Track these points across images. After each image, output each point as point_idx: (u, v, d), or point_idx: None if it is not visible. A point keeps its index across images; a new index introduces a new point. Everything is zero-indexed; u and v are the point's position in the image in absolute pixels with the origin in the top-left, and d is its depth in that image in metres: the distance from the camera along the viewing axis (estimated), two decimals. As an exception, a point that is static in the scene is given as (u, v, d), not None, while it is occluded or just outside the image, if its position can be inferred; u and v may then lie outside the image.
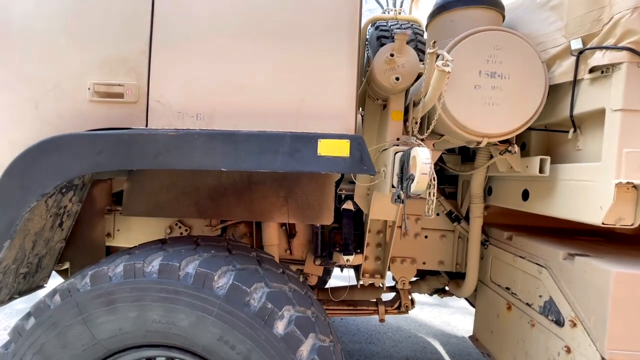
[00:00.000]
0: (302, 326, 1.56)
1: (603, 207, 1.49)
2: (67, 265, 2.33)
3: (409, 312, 2.74)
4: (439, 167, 2.65)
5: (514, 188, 2.15)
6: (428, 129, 1.78)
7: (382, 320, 2.68)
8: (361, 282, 2.57)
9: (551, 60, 1.78)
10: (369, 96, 2.14)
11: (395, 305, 2.69)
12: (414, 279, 2.89)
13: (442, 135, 1.96)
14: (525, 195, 2.04)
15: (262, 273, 1.69)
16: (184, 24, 1.61)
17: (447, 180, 2.71)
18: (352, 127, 1.64)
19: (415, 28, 2.81)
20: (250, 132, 1.54)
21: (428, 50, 1.64)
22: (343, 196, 2.42)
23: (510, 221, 2.55)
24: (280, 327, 1.53)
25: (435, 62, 1.55)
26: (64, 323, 1.53)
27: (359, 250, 2.41)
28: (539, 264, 1.93)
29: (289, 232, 2.61)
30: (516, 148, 1.85)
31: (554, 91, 1.85)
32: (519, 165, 1.92)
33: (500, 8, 1.98)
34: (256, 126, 1.60)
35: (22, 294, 1.92)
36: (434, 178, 1.61)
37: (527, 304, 2.01)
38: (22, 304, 3.99)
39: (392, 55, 1.70)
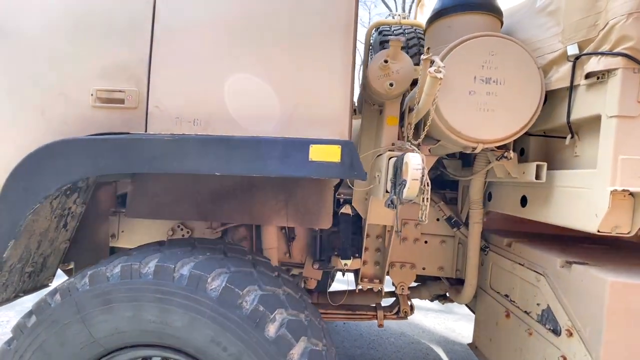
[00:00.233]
0: (293, 329, 1.58)
1: (598, 214, 1.47)
2: (72, 265, 2.40)
3: (409, 317, 2.72)
4: (440, 172, 2.64)
5: (512, 194, 2.13)
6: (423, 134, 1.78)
7: (380, 326, 2.67)
8: (360, 287, 2.57)
9: (548, 66, 1.76)
10: (366, 101, 2.16)
11: (394, 311, 2.67)
12: (414, 284, 2.88)
13: (439, 141, 1.95)
14: (524, 201, 2.02)
15: (256, 276, 1.71)
16: (182, 34, 1.67)
17: (448, 185, 2.69)
18: (346, 132, 1.65)
19: (419, 33, 2.82)
20: (243, 137, 1.57)
21: (422, 57, 1.65)
22: (342, 200, 2.43)
23: (513, 227, 2.52)
24: (271, 330, 1.54)
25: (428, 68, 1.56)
26: (63, 321, 1.58)
27: (357, 255, 2.41)
28: (537, 272, 1.90)
29: (289, 235, 2.62)
30: (512, 154, 1.84)
31: (552, 97, 1.83)
32: (515, 171, 1.90)
33: (498, 14, 1.97)
34: (251, 131, 1.63)
35: (27, 292, 1.99)
36: (427, 184, 1.61)
37: (525, 312, 1.98)
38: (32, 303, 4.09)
39: (386, 61, 1.71)
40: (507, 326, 2.13)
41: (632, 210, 1.46)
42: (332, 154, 1.50)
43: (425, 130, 1.69)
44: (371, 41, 2.98)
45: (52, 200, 1.75)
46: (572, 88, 1.64)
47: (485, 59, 1.70)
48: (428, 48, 1.62)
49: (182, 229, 2.57)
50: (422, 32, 2.77)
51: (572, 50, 1.61)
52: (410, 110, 1.88)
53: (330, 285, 3.96)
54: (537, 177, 1.77)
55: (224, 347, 1.52)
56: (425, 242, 2.60)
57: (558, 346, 1.70)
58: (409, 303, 2.71)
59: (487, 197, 2.43)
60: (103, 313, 1.56)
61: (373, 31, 3.16)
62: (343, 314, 2.73)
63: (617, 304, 1.44)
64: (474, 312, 2.74)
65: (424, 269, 2.61)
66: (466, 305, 2.78)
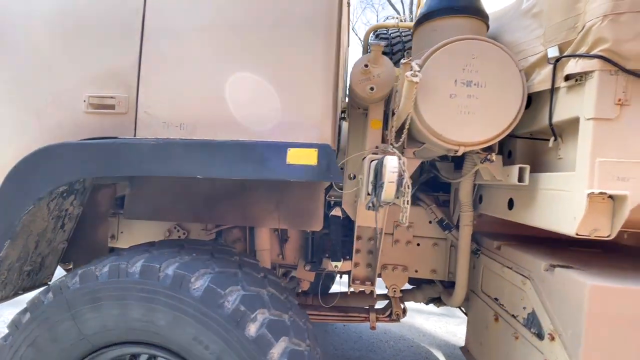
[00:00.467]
0: (274, 329, 1.61)
1: (577, 217, 1.46)
2: (72, 265, 2.49)
3: (409, 320, 2.73)
4: (433, 174, 2.64)
5: (500, 197, 2.12)
6: (407, 137, 1.79)
7: (373, 328, 2.67)
8: (351, 289, 2.58)
9: (531, 68, 1.76)
10: (352, 105, 2.18)
11: (387, 313, 2.67)
12: (409, 287, 2.87)
13: (423, 144, 1.96)
14: (511, 204, 2.01)
15: (240, 277, 1.75)
16: (169, 42, 1.73)
17: (441, 187, 2.69)
18: (329, 136, 1.68)
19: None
20: (225, 141, 1.62)
21: (402, 61, 1.67)
22: (332, 203, 2.45)
23: (505, 230, 2.49)
24: (252, 329, 1.58)
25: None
26: (55, 318, 1.65)
27: (347, 257, 2.43)
28: (523, 275, 1.89)
29: (282, 237, 2.66)
30: (494, 157, 1.83)
31: (537, 99, 1.82)
32: (499, 173, 1.89)
33: (483, 17, 1.97)
34: (235, 135, 1.68)
35: (26, 290, 2.07)
36: (407, 186, 1.62)
37: (512, 315, 1.96)
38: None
39: (366, 65, 1.73)
40: (496, 330, 2.12)
41: (612, 213, 1.44)
42: (309, 157, 1.53)
43: (405, 133, 1.70)
44: (369, 45, 3.01)
45: (49, 202, 1.83)
46: (553, 90, 1.64)
47: (466, 62, 1.71)
48: (407, 52, 1.64)
49: (178, 230, 2.64)
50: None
51: (553, 52, 1.61)
52: (394, 113, 1.90)
53: (330, 288, 3.98)
54: (520, 179, 1.76)
55: (206, 345, 1.56)
56: (418, 244, 2.60)
57: (541, 350, 1.68)
58: (402, 306, 2.71)
59: (479, 199, 2.42)
60: (92, 311, 1.62)
61: (371, 34, 3.20)
62: (336, 315, 2.75)
63: (596, 307, 1.43)
64: (467, 316, 2.72)
65: (416, 271, 2.61)
66: (460, 308, 2.76)
